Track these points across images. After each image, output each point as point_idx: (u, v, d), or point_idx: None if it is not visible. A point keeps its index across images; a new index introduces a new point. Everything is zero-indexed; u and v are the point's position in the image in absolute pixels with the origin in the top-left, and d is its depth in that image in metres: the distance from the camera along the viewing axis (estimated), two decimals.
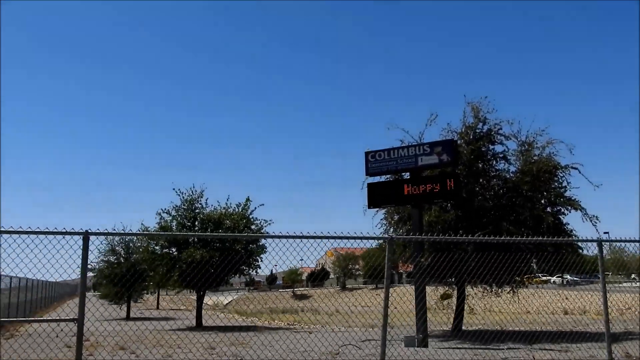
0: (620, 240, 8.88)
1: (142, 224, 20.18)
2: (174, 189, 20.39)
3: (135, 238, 24.14)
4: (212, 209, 20.49)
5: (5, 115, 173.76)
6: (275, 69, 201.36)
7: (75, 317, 5.51)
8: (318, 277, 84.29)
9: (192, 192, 20.57)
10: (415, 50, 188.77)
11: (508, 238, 10.04)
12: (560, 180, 14.89)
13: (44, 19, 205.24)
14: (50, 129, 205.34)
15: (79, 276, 5.86)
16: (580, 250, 14.16)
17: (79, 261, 5.75)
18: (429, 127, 15.09)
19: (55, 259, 5.70)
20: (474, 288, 15.46)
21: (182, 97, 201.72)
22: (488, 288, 15.16)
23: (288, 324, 23.53)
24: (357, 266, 76.14)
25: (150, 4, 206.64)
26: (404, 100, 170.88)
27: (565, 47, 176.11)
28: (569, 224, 14.85)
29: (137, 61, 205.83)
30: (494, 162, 15.28)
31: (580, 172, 14.63)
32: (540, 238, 9.83)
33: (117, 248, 25.53)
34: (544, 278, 46.54)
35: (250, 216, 20.28)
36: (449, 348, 11.41)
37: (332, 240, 7.14)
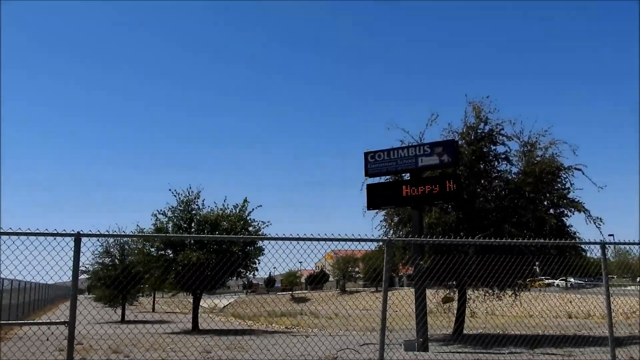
0: (624, 243, 8.89)
1: (137, 225, 20.19)
2: (170, 189, 20.39)
3: (130, 240, 24.12)
4: (209, 210, 20.48)
5: (5, 115, 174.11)
6: (275, 68, 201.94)
7: (67, 320, 5.51)
8: (317, 280, 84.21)
9: (189, 193, 20.57)
10: (415, 50, 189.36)
11: (510, 240, 10.05)
12: (563, 181, 14.88)
13: (44, 19, 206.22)
14: (50, 128, 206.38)
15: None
16: (584, 253, 14.17)
17: (72, 263, 5.75)
18: (429, 127, 15.12)
19: (45, 261, 5.70)
20: (475, 291, 15.45)
21: (182, 97, 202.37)
22: (490, 291, 15.15)
23: (286, 327, 23.51)
24: (357, 269, 76.12)
25: (150, 4, 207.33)
26: (404, 101, 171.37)
27: (566, 47, 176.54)
28: (572, 226, 14.84)
29: (136, 61, 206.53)
30: (496, 163, 15.27)
31: (583, 173, 14.63)
32: (543, 240, 9.83)
33: (111, 250, 25.54)
34: (548, 281, 46.53)
35: (248, 218, 20.26)
36: (449, 352, 11.40)
37: (331, 242, 7.14)
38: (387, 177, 14.19)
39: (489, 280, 12.73)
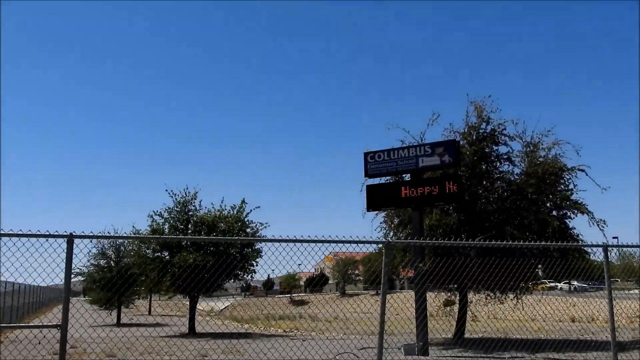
0: (627, 246, 8.89)
1: (133, 226, 20.20)
2: (166, 190, 20.39)
3: (126, 241, 24.11)
4: (206, 211, 20.49)
5: (5, 115, 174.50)
6: (275, 68, 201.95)
7: (59, 322, 5.50)
8: (317, 283, 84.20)
9: (186, 193, 20.57)
10: (416, 50, 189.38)
11: (512, 243, 10.05)
12: (566, 182, 14.87)
13: (43, 19, 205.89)
14: (48, 128, 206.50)
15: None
16: (587, 256, 14.15)
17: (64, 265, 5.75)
18: (430, 127, 15.07)
19: (37, 263, 5.70)
20: (477, 294, 15.44)
21: (180, 96, 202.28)
22: (491, 294, 15.14)
23: (284, 331, 23.51)
24: (357, 271, 76.08)
25: (149, 4, 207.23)
26: (405, 101, 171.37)
27: (566, 48, 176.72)
28: (575, 228, 14.85)
29: (134, 60, 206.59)
30: (498, 164, 15.27)
31: (587, 174, 14.63)
32: (546, 243, 9.83)
33: (107, 251, 25.53)
34: (551, 284, 46.54)
35: (246, 219, 20.26)
36: (450, 356, 11.40)
37: (330, 245, 7.15)
38: (388, 177, 14.19)
39: (491, 283, 12.75)
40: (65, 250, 5.55)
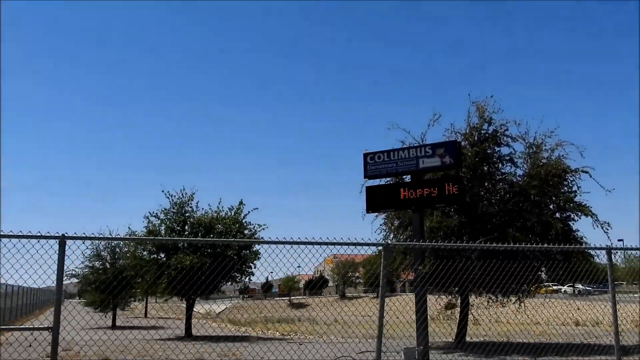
0: (632, 249, 8.89)
1: (129, 227, 20.21)
2: (163, 191, 20.41)
3: (122, 243, 24.12)
4: (203, 212, 20.51)
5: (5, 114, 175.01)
6: (274, 68, 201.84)
7: (51, 325, 5.50)
8: (316, 285, 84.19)
9: (182, 194, 20.59)
10: (417, 50, 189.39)
11: (514, 245, 10.02)
12: (570, 184, 14.87)
13: (36, 20, 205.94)
14: (45, 128, 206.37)
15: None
16: (592, 259, 14.14)
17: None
18: (431, 128, 15.04)
19: (29, 264, 5.70)
20: (478, 297, 15.43)
21: (179, 96, 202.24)
22: (493, 298, 15.13)
23: (283, 334, 23.49)
24: (357, 274, 76.06)
25: (144, 4, 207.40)
26: (406, 102, 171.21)
27: (569, 48, 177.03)
28: (578, 230, 14.86)
29: (130, 61, 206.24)
30: (500, 165, 15.28)
31: (591, 176, 14.62)
32: (549, 245, 9.82)
33: (102, 253, 25.55)
34: (555, 287, 46.47)
35: (243, 220, 20.28)
36: None
37: (330, 247, 7.14)
38: (388, 179, 14.17)
39: (492, 286, 12.74)
40: (57, 252, 5.55)
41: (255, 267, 20.34)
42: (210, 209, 20.59)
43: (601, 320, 25.25)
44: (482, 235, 13.48)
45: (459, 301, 15.74)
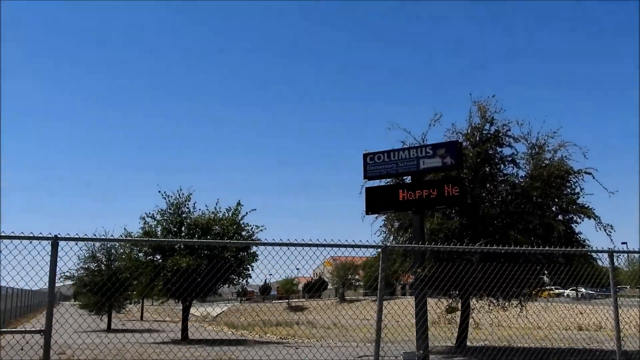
0: (635, 252, 8.88)
1: (125, 228, 20.19)
2: (159, 191, 20.38)
3: (117, 244, 24.09)
4: (200, 213, 20.48)
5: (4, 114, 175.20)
6: (274, 68, 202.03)
7: (43, 328, 5.48)
8: (315, 288, 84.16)
9: (179, 195, 20.56)
10: (417, 50, 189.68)
11: (516, 248, 10.02)
12: (572, 186, 14.87)
13: (36, 20, 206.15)
14: (42, 129, 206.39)
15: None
16: (594, 262, 14.13)
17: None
18: (432, 128, 15.06)
19: (21, 266, 5.68)
20: (479, 301, 15.41)
21: (181, 96, 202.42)
22: (494, 301, 15.12)
23: (281, 337, 23.47)
24: (357, 276, 76.02)
25: (144, 4, 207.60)
26: (406, 102, 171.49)
27: (569, 48, 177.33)
28: (581, 233, 14.85)
29: (127, 61, 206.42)
30: (502, 166, 15.27)
31: (594, 178, 14.61)
32: (550, 248, 9.82)
33: (98, 254, 25.52)
34: (558, 291, 46.49)
35: (241, 222, 20.25)
36: None
37: (330, 249, 7.13)
38: (388, 180, 14.17)
39: (493, 290, 12.72)
40: (49, 253, 5.54)
41: (252, 269, 20.33)
42: (207, 209, 20.58)
43: (605, 325, 25.24)
44: (483, 237, 13.47)
45: (459, 305, 15.73)
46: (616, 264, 9.77)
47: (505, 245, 12.45)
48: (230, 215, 20.27)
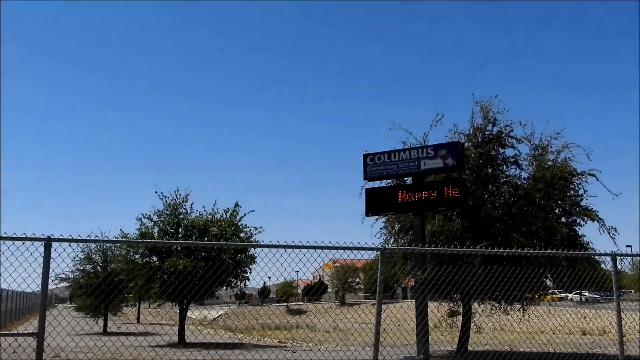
0: (638, 255, 8.86)
1: (121, 230, 20.19)
2: (156, 192, 20.37)
3: (114, 245, 24.10)
4: (198, 214, 20.47)
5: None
6: (273, 68, 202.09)
7: (35, 331, 5.48)
8: (315, 291, 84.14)
9: (176, 195, 20.54)
10: (417, 50, 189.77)
11: (518, 250, 10.00)
12: (576, 188, 14.85)
13: (36, 20, 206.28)
14: (49, 128, 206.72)
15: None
16: (598, 265, 14.12)
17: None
18: (434, 128, 15.04)
19: (13, 267, 5.69)
20: (481, 305, 15.39)
21: (181, 96, 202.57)
22: (496, 305, 15.10)
23: (280, 341, 23.45)
24: (357, 279, 75.98)
25: (144, 4, 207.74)
26: (406, 102, 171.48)
27: (569, 48, 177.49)
28: (585, 235, 14.83)
29: (134, 61, 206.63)
30: (504, 167, 15.25)
31: (597, 179, 14.61)
32: (553, 251, 9.80)
33: (94, 256, 25.51)
34: (561, 295, 46.44)
35: (239, 223, 20.24)
36: None
37: (330, 251, 7.13)
38: (389, 181, 14.17)
39: (495, 293, 12.70)
40: (42, 255, 5.54)
41: (250, 272, 20.32)
42: (205, 210, 20.58)
43: (609, 329, 25.22)
44: (485, 239, 13.46)
45: (461, 308, 15.71)
46: (620, 267, 9.79)
47: (507, 248, 12.48)
48: (228, 216, 20.27)
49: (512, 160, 15.17)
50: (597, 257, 13.51)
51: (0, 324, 23.10)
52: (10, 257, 5.73)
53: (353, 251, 7.26)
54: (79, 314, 27.60)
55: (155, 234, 19.70)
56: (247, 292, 78.27)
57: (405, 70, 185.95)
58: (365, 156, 13.20)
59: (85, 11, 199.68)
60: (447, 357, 14.18)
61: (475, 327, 15.70)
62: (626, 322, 8.72)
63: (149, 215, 20.04)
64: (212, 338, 25.19)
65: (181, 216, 20.31)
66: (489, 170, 14.95)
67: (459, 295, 14.94)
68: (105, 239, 17.89)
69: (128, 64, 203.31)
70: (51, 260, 5.60)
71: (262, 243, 7.27)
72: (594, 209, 14.51)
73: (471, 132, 15.03)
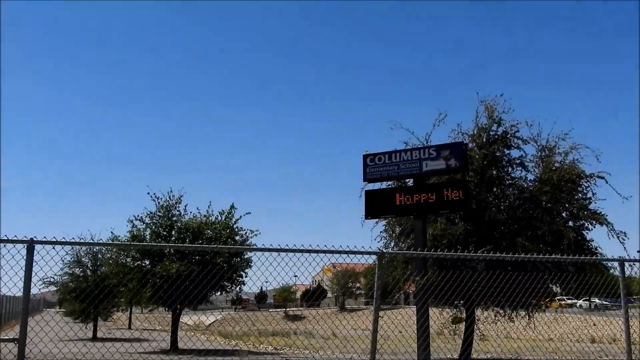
0: None
1: (112, 232, 20.16)
2: (148, 193, 20.34)
3: (104, 248, 24.05)
4: (192, 216, 20.45)
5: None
6: (272, 68, 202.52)
7: (16, 336, 5.45)
8: (314, 296, 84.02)
9: (169, 197, 20.51)
10: (417, 50, 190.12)
11: (524, 255, 9.97)
12: (584, 190, 14.78)
13: (36, 20, 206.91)
14: (49, 128, 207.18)
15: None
16: (607, 271, 14.07)
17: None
18: (436, 128, 14.95)
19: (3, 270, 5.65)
20: (485, 311, 15.34)
21: (181, 96, 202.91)
22: (501, 312, 15.05)
23: (276, 348, 23.41)
24: (357, 284, 75.88)
25: (144, 4, 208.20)
26: (406, 102, 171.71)
27: (569, 48, 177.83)
28: (593, 240, 14.76)
29: (134, 61, 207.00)
30: (510, 169, 15.16)
31: (607, 182, 14.53)
32: (560, 256, 9.77)
33: (83, 259, 25.49)
34: (570, 301, 46.39)
35: (235, 226, 20.22)
36: None
37: (329, 255, 7.10)
38: (389, 182, 14.10)
39: (500, 300, 12.65)
40: (24, 257, 5.51)
41: (246, 276, 20.30)
42: (199, 212, 20.56)
43: (618, 337, 25.18)
44: (489, 244, 13.40)
45: (464, 315, 15.65)
46: (629, 273, 9.74)
47: (512, 253, 12.41)
48: (223, 218, 20.24)
49: (517, 161, 15.08)
50: (605, 262, 13.48)
51: None
52: None
53: (350, 256, 7.23)
54: (68, 319, 27.58)
55: (147, 237, 19.67)
56: (243, 297, 78.12)
57: (406, 70, 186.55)
58: (365, 157, 13.11)
59: (85, 11, 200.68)
60: None
61: (479, 334, 15.62)
62: (635, 330, 8.67)
63: (141, 217, 20.03)
64: (210, 345, 25.16)
65: (174, 218, 20.30)
66: (494, 172, 14.87)
67: (462, 302, 14.89)
68: (91, 241, 17.79)
69: (128, 64, 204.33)
70: (34, 263, 5.56)
71: (258, 246, 7.23)
72: (602, 213, 14.46)
73: (475, 132, 14.95)
